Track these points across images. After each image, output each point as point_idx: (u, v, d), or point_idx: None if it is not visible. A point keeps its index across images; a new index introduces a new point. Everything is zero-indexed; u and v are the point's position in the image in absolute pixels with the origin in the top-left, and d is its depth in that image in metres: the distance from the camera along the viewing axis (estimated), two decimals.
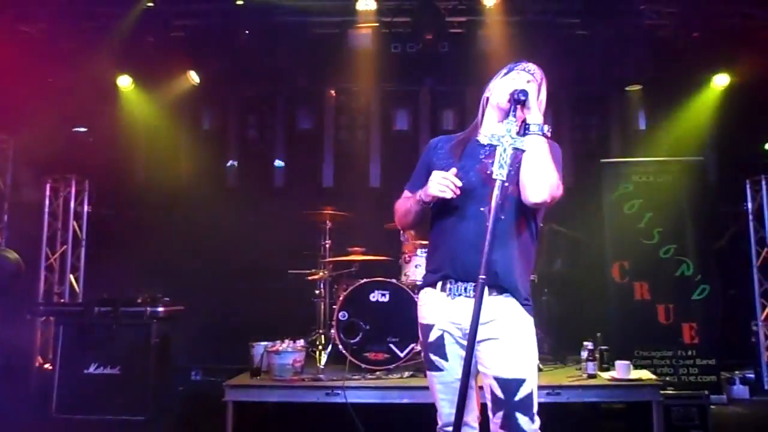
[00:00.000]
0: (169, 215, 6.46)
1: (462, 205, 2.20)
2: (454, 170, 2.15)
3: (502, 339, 2.16)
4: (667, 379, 4.98)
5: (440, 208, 2.27)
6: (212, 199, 6.41)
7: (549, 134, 2.18)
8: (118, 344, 4.82)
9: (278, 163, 6.88)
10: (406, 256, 4.88)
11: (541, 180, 2.12)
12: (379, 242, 5.32)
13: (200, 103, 6.69)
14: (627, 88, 6.41)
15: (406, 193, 2.43)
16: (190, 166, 6.75)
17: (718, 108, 6.33)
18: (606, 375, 4.31)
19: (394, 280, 4.70)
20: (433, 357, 2.27)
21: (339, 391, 4.03)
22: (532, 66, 2.34)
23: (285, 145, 6.84)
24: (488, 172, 2.14)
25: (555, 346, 5.16)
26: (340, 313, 4.61)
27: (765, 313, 5.99)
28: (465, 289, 2.20)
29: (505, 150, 2.05)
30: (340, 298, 4.68)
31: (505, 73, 2.34)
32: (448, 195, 2.12)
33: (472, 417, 2.29)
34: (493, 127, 2.23)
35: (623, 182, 5.58)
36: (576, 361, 4.72)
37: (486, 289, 2.10)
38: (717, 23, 5.66)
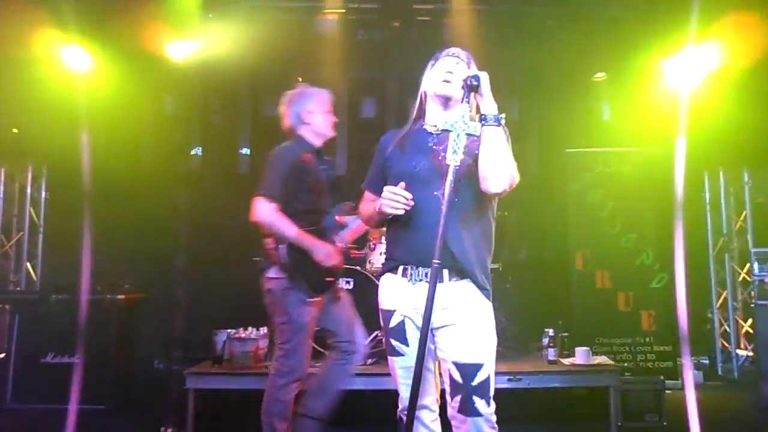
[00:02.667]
0: (133, 202, 6.32)
1: (417, 193, 2.21)
2: (402, 185, 2.17)
3: (459, 324, 2.19)
4: (626, 365, 5.11)
5: None
6: (175, 185, 6.29)
7: (501, 120, 2.18)
8: (77, 332, 4.71)
9: (245, 151, 6.79)
10: (371, 243, 4.88)
11: (500, 171, 2.15)
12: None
13: (163, 88, 6.54)
14: (593, 77, 6.48)
15: (367, 195, 2.47)
16: (153, 152, 6.61)
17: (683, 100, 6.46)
18: (566, 361, 4.40)
19: (358, 268, 4.69)
20: (394, 342, 2.30)
21: None
22: (456, 49, 2.39)
23: (250, 132, 6.74)
24: (440, 158, 2.19)
25: (518, 334, 5.24)
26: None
27: (719, 302, 6.18)
28: (425, 274, 2.21)
29: (458, 135, 2.06)
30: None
31: (433, 64, 2.39)
32: (401, 212, 2.16)
33: (431, 400, 2.32)
34: (439, 116, 2.27)
35: (587, 172, 5.66)
36: (538, 348, 4.80)
37: (446, 273, 2.17)
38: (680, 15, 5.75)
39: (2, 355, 5.41)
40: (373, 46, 5.92)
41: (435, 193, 2.20)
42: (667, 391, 4.32)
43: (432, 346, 2.26)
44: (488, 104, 2.18)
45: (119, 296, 4.86)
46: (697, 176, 6.37)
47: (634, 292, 5.43)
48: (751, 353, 5.72)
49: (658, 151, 5.91)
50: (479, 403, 2.14)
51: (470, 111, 2.14)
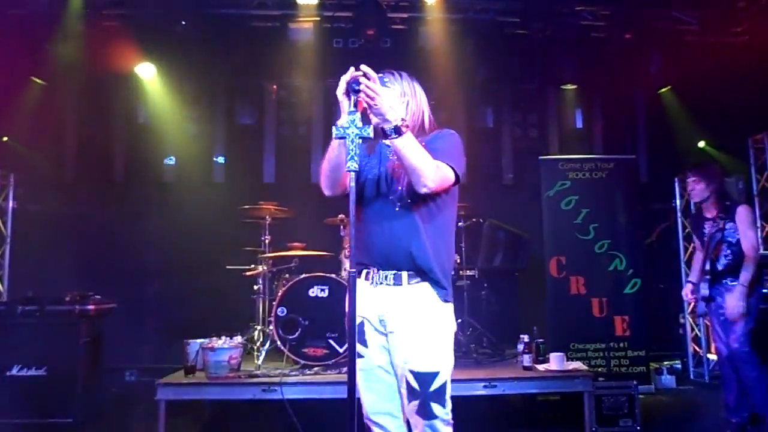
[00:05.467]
0: (102, 211, 6.22)
1: (371, 197, 2.30)
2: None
3: (416, 331, 2.22)
4: (600, 370, 5.13)
5: (358, 201, 2.30)
6: (147, 194, 6.21)
7: (403, 129, 2.12)
8: (44, 345, 4.58)
9: (219, 159, 6.73)
10: (346, 251, 4.85)
11: (416, 174, 2.15)
12: (320, 238, 5.27)
13: (135, 97, 6.47)
14: (562, 87, 6.58)
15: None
16: (125, 161, 6.51)
17: (651, 108, 6.61)
18: (541, 367, 4.41)
19: (333, 275, 4.65)
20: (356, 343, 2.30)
21: (276, 388, 3.96)
22: (385, 74, 2.38)
23: (225, 140, 6.69)
24: (395, 166, 2.27)
25: (494, 340, 5.24)
26: (279, 309, 4.53)
27: (691, 307, 6.26)
28: (386, 277, 2.26)
29: (353, 141, 2.05)
30: (279, 294, 4.60)
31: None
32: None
33: (394, 406, 2.32)
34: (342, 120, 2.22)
35: (561, 179, 5.71)
36: (513, 354, 4.81)
37: (404, 275, 2.23)
38: (646, 25, 5.88)
39: None
40: (348, 54, 5.91)
41: (390, 197, 2.27)
42: (640, 396, 4.35)
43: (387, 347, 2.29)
44: (380, 115, 2.12)
45: (89, 307, 4.75)
46: (667, 183, 6.47)
47: (608, 297, 5.49)
48: None
49: (629, 157, 6.03)
50: (436, 407, 2.19)
51: (357, 115, 2.07)
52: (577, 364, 4.49)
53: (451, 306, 2.29)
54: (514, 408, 4.91)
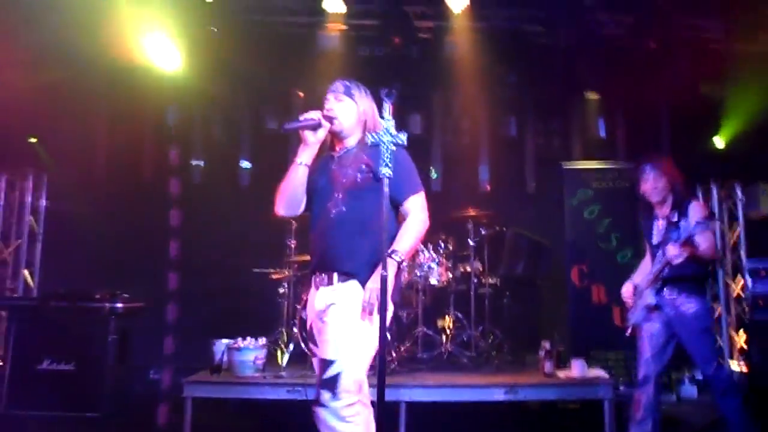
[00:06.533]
0: (130, 211, 6.34)
1: (317, 206, 2.54)
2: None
3: (330, 323, 2.38)
4: (621, 379, 5.12)
5: (308, 211, 2.59)
6: (176, 196, 6.31)
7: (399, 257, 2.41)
8: (74, 340, 4.70)
9: (245, 164, 6.83)
10: None
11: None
12: None
13: (166, 98, 6.59)
14: (585, 95, 6.58)
15: None
16: (153, 161, 6.64)
17: (675, 116, 6.59)
18: (562, 374, 4.42)
19: None
20: (310, 344, 2.61)
21: (300, 389, 4.03)
22: (337, 84, 2.61)
23: (251, 145, 6.79)
24: (336, 176, 2.51)
25: (515, 347, 5.26)
26: (304, 312, 4.60)
27: (715, 316, 6.21)
28: (323, 279, 2.46)
29: (387, 149, 2.19)
30: (304, 297, 4.67)
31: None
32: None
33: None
34: (339, 145, 2.62)
35: (583, 188, 5.73)
36: (534, 361, 4.83)
37: (335, 276, 2.42)
38: (671, 34, 5.88)
39: None
40: (373, 62, 5.99)
41: (327, 204, 2.46)
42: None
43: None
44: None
45: (118, 305, 4.86)
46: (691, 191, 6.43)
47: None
48: (745, 369, 5.74)
49: None
50: (325, 395, 2.31)
51: (391, 124, 2.26)
52: (598, 371, 4.50)
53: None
54: (534, 416, 4.91)
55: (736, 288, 6.18)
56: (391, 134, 2.20)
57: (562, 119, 6.81)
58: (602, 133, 6.71)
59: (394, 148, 2.21)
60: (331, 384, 2.28)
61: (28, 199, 6.09)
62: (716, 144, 6.54)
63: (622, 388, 4.33)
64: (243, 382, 4.15)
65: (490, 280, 5.35)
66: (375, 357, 2.34)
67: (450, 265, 5.19)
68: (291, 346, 4.85)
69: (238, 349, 4.23)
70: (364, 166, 2.45)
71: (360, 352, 2.33)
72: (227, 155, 6.82)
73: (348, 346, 2.32)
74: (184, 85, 6.39)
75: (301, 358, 4.66)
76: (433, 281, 5.04)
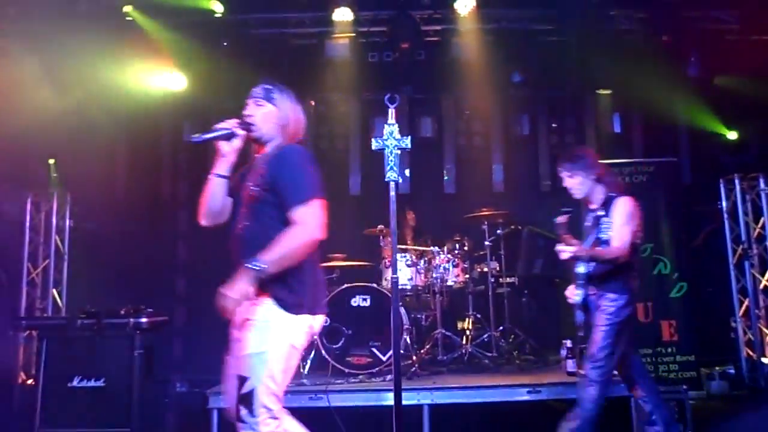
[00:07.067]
0: (151, 228, 6.46)
1: (231, 219, 2.51)
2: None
3: (246, 339, 2.30)
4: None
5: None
6: (194, 210, 6.41)
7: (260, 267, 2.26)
8: (102, 357, 4.78)
9: None
10: (386, 261, 4.93)
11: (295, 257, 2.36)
12: (360, 248, 5.37)
13: (182, 114, 6.72)
14: (598, 92, 6.54)
15: None
16: (172, 178, 6.76)
17: (692, 109, 6.51)
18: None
19: (374, 285, 4.74)
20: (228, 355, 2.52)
21: (322, 395, 4.05)
22: (257, 88, 2.56)
23: None
24: (242, 188, 2.45)
25: (536, 347, 5.23)
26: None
27: (743, 310, 6.10)
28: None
29: (391, 152, 2.15)
30: None
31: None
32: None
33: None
34: (256, 153, 2.55)
35: None
36: (556, 360, 4.79)
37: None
38: (685, 26, 5.82)
39: (32, 382, 5.53)
40: (383, 67, 6.04)
41: (236, 218, 2.43)
42: (691, 402, 4.27)
43: None
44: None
45: (142, 320, 4.94)
46: (710, 184, 6.34)
47: (653, 302, 5.40)
48: None
49: (670, 160, 5.95)
50: (243, 411, 2.26)
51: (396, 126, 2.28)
52: None
53: (295, 318, 2.32)
54: (558, 416, 4.86)
55: (764, 280, 6.06)
56: (395, 138, 2.21)
57: (576, 116, 6.77)
58: (617, 129, 6.65)
59: (398, 152, 2.20)
60: (248, 400, 2.25)
61: (54, 219, 6.23)
62: (735, 136, 6.45)
63: None
64: None
65: (508, 280, 5.33)
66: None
67: (466, 266, 5.19)
68: (312, 354, 4.89)
69: None
70: (260, 177, 2.37)
71: (273, 368, 2.28)
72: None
73: (262, 362, 2.26)
74: (195, 103, 6.51)
75: (322, 366, 4.69)
76: (450, 283, 5.04)
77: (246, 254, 2.28)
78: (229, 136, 2.43)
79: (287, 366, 2.34)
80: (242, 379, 2.27)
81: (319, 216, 2.35)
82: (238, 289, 2.21)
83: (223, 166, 2.48)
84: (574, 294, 3.56)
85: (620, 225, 3.35)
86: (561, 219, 3.43)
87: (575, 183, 3.55)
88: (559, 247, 3.38)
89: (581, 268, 3.49)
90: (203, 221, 2.53)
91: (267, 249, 2.25)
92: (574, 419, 3.47)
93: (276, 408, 2.29)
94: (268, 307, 2.30)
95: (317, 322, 2.42)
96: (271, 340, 2.29)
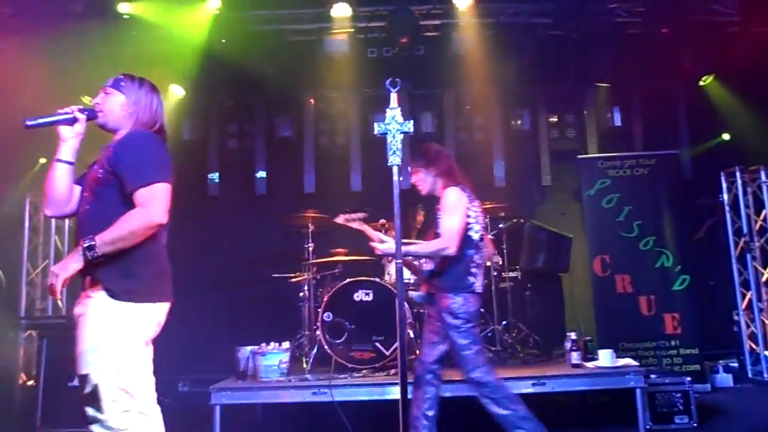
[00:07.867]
0: None
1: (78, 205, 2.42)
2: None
3: (79, 335, 2.20)
4: (652, 368, 5.02)
5: None
6: (194, 209, 6.40)
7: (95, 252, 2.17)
8: None
9: (261, 174, 6.88)
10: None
11: (130, 240, 2.24)
12: (362, 243, 5.32)
13: (180, 113, 6.69)
14: (598, 85, 6.52)
15: None
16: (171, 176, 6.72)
17: (692, 102, 6.51)
18: (590, 364, 4.35)
19: (377, 279, 4.72)
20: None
21: (325, 390, 4.03)
22: (110, 79, 2.49)
23: (266, 154, 6.84)
24: (89, 173, 2.39)
25: (540, 341, 5.20)
26: (325, 314, 4.61)
27: (745, 303, 6.08)
28: (83, 283, 2.28)
29: (394, 136, 2.13)
30: (324, 299, 4.69)
31: None
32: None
33: None
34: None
35: (601, 177, 5.66)
36: (561, 354, 4.77)
37: (87, 281, 2.23)
38: (685, 19, 5.81)
39: (32, 383, 5.50)
40: (382, 63, 6.02)
41: (80, 202, 2.37)
42: (695, 395, 4.24)
43: None
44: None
45: None
46: (712, 177, 6.33)
47: (656, 295, 5.38)
48: None
49: (671, 153, 5.94)
50: (90, 410, 2.17)
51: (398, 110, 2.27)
52: (627, 361, 4.43)
53: (132, 307, 2.22)
54: (563, 409, 4.85)
55: (766, 273, 6.04)
56: (398, 122, 2.20)
57: (576, 110, 6.76)
58: (617, 122, 6.64)
59: (401, 136, 2.19)
60: (95, 399, 2.14)
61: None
62: (735, 129, 6.44)
63: (653, 377, 4.22)
64: (269, 386, 4.16)
65: (511, 274, 5.31)
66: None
67: None
68: (315, 349, 4.87)
69: (263, 354, 4.25)
70: (105, 161, 2.29)
71: (115, 361, 2.16)
72: (242, 165, 6.87)
73: (100, 355, 2.15)
74: (196, 100, 6.48)
75: (324, 360, 4.66)
76: None
77: (84, 236, 2.19)
78: (72, 121, 2.38)
79: (133, 357, 2.21)
80: (82, 378, 2.15)
81: (162, 200, 2.23)
82: (64, 265, 2.13)
83: (66, 151, 2.39)
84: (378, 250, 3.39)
85: (444, 216, 3.26)
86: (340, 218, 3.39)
87: (418, 179, 3.48)
88: (372, 244, 3.32)
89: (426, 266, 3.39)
90: (47, 211, 2.44)
91: (107, 229, 2.16)
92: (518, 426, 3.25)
93: (129, 403, 2.19)
94: (99, 298, 2.18)
95: (160, 310, 2.32)
96: (106, 333, 2.17)
